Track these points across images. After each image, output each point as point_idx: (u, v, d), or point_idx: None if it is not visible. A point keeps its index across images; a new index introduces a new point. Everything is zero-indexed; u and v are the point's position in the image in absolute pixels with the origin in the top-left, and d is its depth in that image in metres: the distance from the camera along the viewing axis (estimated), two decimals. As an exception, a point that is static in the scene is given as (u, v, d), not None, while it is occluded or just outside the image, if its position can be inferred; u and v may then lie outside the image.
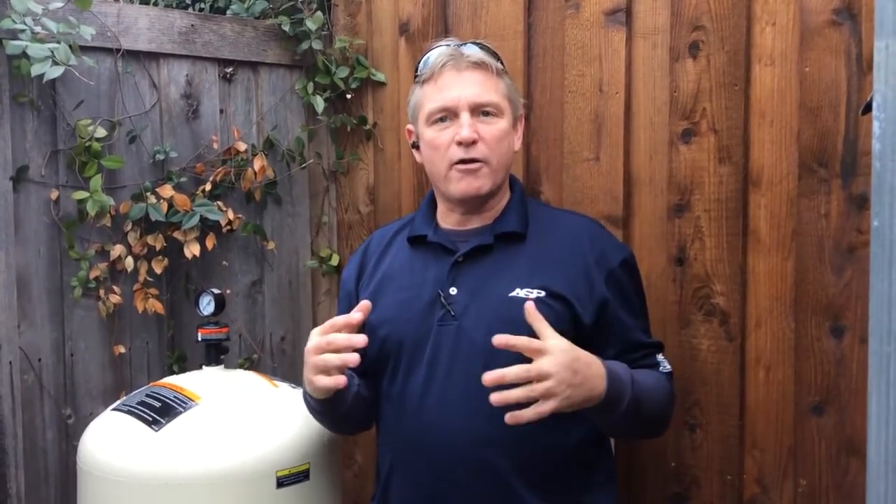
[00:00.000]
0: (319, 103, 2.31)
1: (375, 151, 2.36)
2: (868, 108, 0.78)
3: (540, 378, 1.28)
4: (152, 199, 2.12)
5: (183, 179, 2.21)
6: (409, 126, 1.64)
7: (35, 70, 1.86)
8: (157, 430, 1.68)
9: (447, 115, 1.52)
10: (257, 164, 2.27)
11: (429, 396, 1.50)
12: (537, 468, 1.48)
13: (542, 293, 1.48)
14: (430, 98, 1.55)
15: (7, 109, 1.96)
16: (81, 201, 2.02)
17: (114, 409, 1.82)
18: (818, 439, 1.61)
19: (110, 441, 1.73)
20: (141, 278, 2.14)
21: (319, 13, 2.32)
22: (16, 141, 1.98)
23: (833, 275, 1.58)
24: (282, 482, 1.68)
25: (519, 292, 1.49)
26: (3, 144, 1.96)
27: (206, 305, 1.92)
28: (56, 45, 1.89)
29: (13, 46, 1.86)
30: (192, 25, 2.23)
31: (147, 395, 1.79)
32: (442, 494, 1.50)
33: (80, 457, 1.76)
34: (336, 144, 2.43)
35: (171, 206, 2.14)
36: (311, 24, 2.29)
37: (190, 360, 2.25)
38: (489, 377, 1.28)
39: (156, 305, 2.15)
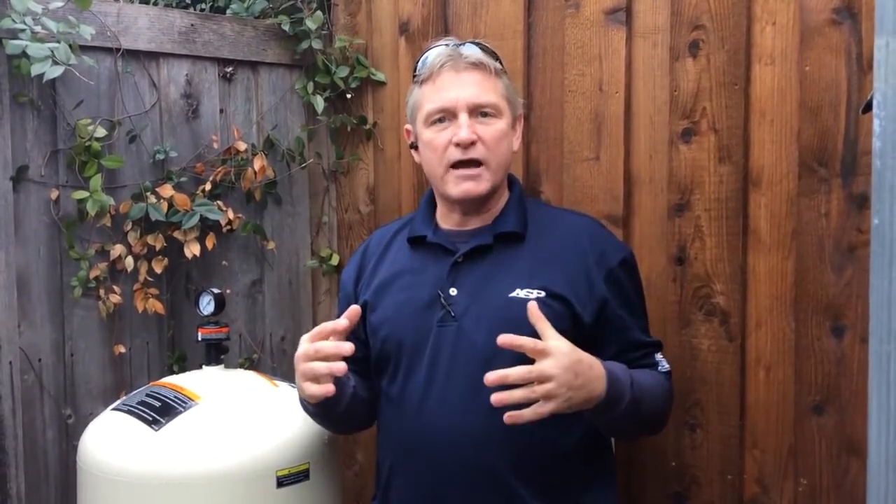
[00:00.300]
0: (319, 103, 2.31)
1: (375, 151, 2.36)
2: (868, 107, 0.78)
3: (541, 380, 1.28)
4: (152, 199, 2.12)
5: (183, 179, 2.21)
6: (408, 126, 1.64)
7: (35, 70, 1.86)
8: (157, 430, 1.68)
9: (445, 115, 1.52)
10: (257, 163, 2.27)
11: (429, 397, 1.50)
12: (537, 468, 1.48)
13: (542, 293, 1.48)
14: (428, 99, 1.54)
15: (7, 109, 1.96)
16: (81, 201, 2.02)
17: (114, 409, 1.82)
18: (818, 439, 1.61)
19: (110, 441, 1.72)
20: (141, 278, 2.14)
21: (319, 13, 2.32)
22: (16, 141, 1.98)
23: (833, 274, 1.57)
24: (282, 482, 1.68)
25: (519, 293, 1.49)
26: (3, 144, 1.96)
27: (206, 305, 1.92)
28: (56, 45, 1.89)
29: (13, 46, 1.86)
30: (192, 25, 2.23)
31: (147, 395, 1.79)
32: (442, 494, 1.50)
33: (81, 456, 1.76)
34: (336, 144, 2.43)
35: (171, 205, 2.14)
36: (310, 24, 2.29)
37: (190, 359, 2.25)
38: (491, 377, 1.28)
39: (156, 305, 2.15)
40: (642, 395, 1.43)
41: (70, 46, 1.92)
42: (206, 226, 2.21)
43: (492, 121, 1.52)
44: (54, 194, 2.04)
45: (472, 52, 1.55)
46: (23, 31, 1.88)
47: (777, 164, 1.64)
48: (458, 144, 1.50)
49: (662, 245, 1.79)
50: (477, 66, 1.53)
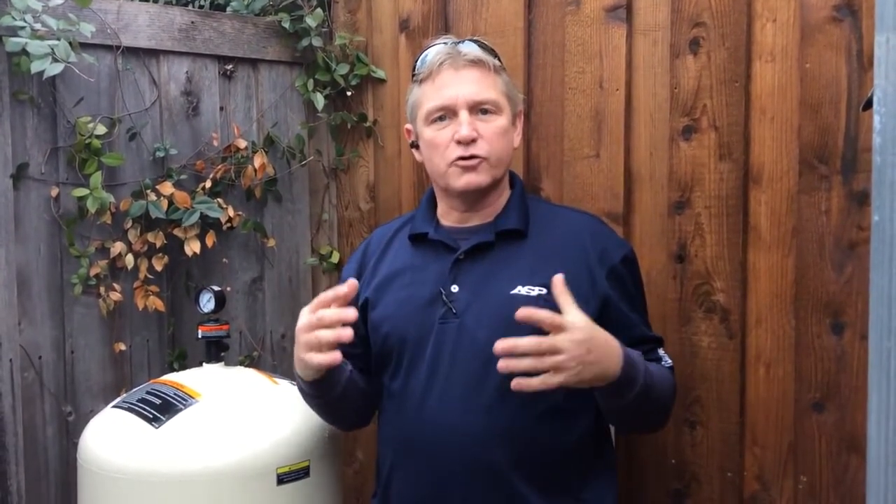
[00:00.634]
0: (319, 100, 2.31)
1: (376, 148, 2.36)
2: (869, 105, 0.78)
3: (552, 352, 1.28)
4: (152, 197, 2.12)
5: (183, 177, 2.21)
6: (408, 126, 1.64)
7: (35, 67, 1.86)
8: (157, 428, 1.68)
9: (446, 113, 1.52)
10: (257, 161, 2.27)
11: (430, 394, 1.50)
12: (538, 465, 1.48)
13: (544, 290, 1.48)
14: (428, 97, 1.55)
15: (7, 107, 1.96)
16: (82, 198, 2.02)
17: (114, 407, 1.82)
18: (818, 436, 1.61)
19: (111, 438, 1.73)
20: (141, 275, 2.15)
21: (319, 10, 2.32)
22: (16, 138, 1.98)
23: (833, 271, 1.57)
24: (282, 479, 1.68)
25: (520, 290, 1.49)
26: (3, 142, 1.96)
27: (207, 303, 1.92)
28: (56, 42, 1.89)
29: (13, 43, 1.86)
30: (192, 22, 2.23)
31: (147, 393, 1.79)
32: (443, 491, 1.50)
33: (81, 454, 1.76)
34: (336, 141, 2.43)
35: (171, 203, 2.14)
36: (311, 21, 2.29)
37: (190, 357, 2.25)
38: (501, 345, 1.28)
39: (156, 303, 2.15)
40: (653, 383, 1.44)
41: (70, 44, 1.92)
42: (207, 223, 2.21)
43: (492, 117, 1.53)
44: (54, 192, 2.04)
45: (470, 49, 1.55)
46: (23, 28, 1.88)
47: (777, 162, 1.64)
48: (459, 142, 1.50)
49: (663, 242, 1.79)
50: (476, 63, 1.53)
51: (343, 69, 2.33)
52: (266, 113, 2.36)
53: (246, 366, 2.25)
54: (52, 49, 1.88)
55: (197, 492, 1.63)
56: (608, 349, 1.35)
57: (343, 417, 1.71)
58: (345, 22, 2.39)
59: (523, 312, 1.30)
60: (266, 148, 2.32)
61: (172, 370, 2.16)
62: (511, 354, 1.29)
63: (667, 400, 1.54)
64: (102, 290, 2.10)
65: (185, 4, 2.65)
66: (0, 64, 1.94)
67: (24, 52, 1.87)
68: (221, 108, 2.31)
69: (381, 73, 2.32)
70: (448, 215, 1.61)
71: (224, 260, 2.31)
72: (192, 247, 2.16)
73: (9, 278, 1.97)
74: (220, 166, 2.25)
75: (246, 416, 1.73)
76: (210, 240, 2.20)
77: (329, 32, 2.39)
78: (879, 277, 0.74)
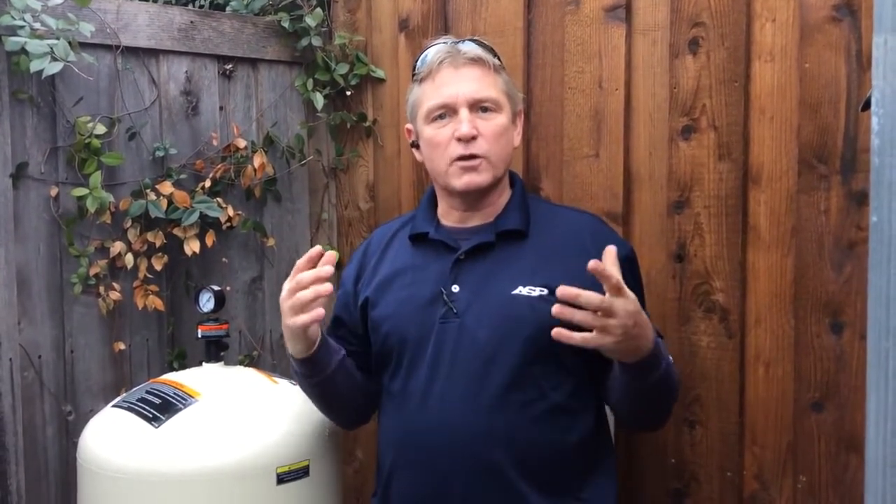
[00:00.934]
0: (319, 100, 2.31)
1: (375, 148, 2.36)
2: (867, 105, 0.78)
3: (606, 313, 1.28)
4: (152, 196, 2.12)
5: (183, 176, 2.21)
6: (409, 125, 1.64)
7: (34, 66, 1.86)
8: (157, 427, 1.68)
9: (446, 112, 1.53)
10: (257, 160, 2.27)
11: (431, 393, 1.51)
12: (538, 464, 1.49)
13: (545, 291, 1.48)
14: (428, 96, 1.55)
15: (6, 106, 1.96)
16: (81, 198, 2.02)
17: (114, 406, 1.82)
18: (818, 436, 1.61)
19: (110, 438, 1.73)
20: (141, 275, 2.15)
21: (319, 10, 2.32)
22: (15, 138, 1.98)
23: (833, 271, 1.58)
24: (282, 479, 1.68)
25: (521, 290, 1.49)
26: (3, 141, 1.96)
27: (206, 302, 1.92)
28: (55, 42, 1.89)
29: (12, 43, 1.86)
30: (192, 22, 2.23)
31: (147, 392, 1.79)
32: (443, 490, 1.50)
33: (80, 453, 1.76)
34: (336, 141, 2.43)
35: (170, 202, 2.14)
36: (310, 21, 2.29)
37: (190, 356, 2.26)
38: (565, 291, 1.26)
39: (156, 302, 2.15)
40: (670, 370, 1.46)
41: (69, 43, 1.92)
42: (206, 223, 2.21)
43: (492, 116, 1.53)
44: (54, 191, 2.04)
45: (470, 48, 1.56)
46: (22, 27, 1.88)
47: (777, 161, 1.64)
48: (459, 139, 1.50)
49: (662, 242, 1.79)
50: (476, 61, 1.53)
51: (342, 69, 2.33)
52: (265, 112, 2.36)
53: (245, 365, 2.25)
54: (52, 48, 1.88)
55: (196, 491, 1.63)
56: (646, 326, 1.36)
57: (340, 409, 1.70)
58: (344, 21, 2.39)
59: (595, 263, 1.27)
60: (265, 147, 2.32)
61: (172, 370, 2.16)
62: (570, 304, 1.28)
63: (675, 391, 1.55)
64: (102, 289, 2.10)
65: (185, 4, 2.65)
66: (-1, 63, 1.95)
67: (24, 51, 1.87)
68: (221, 108, 2.31)
69: (380, 73, 2.32)
70: (448, 215, 1.62)
71: (224, 259, 2.31)
72: (192, 246, 2.16)
73: (8, 278, 1.97)
74: (219, 166, 2.25)
75: (246, 415, 1.74)
76: (210, 239, 2.20)
77: (328, 32, 2.39)
78: (878, 278, 0.74)
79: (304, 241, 2.46)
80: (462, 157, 1.51)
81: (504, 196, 1.60)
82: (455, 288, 1.53)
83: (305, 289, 1.42)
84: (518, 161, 1.95)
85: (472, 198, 1.56)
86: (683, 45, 1.74)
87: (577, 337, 1.29)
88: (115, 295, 2.10)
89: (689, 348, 1.76)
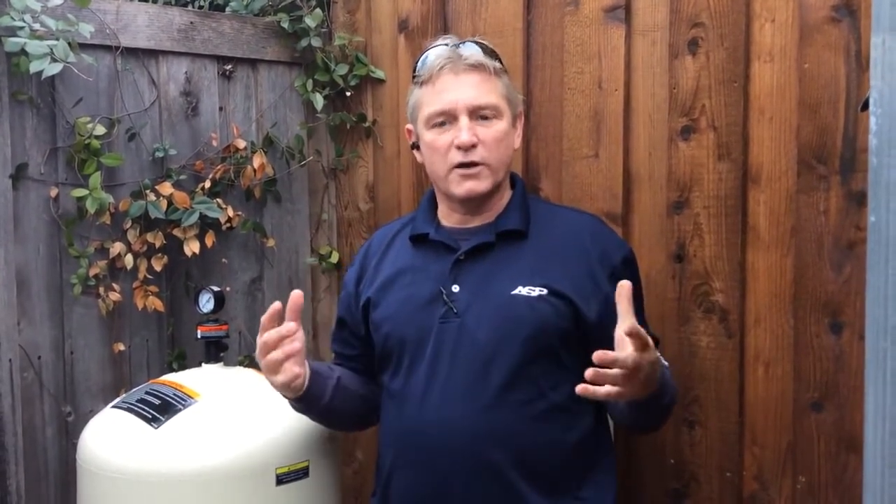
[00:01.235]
0: (319, 101, 2.31)
1: (375, 149, 2.36)
2: (867, 105, 0.78)
3: (635, 370, 1.28)
4: (152, 197, 2.12)
5: (182, 177, 2.21)
6: (409, 126, 1.64)
7: (34, 67, 1.86)
8: (156, 428, 1.69)
9: (446, 118, 1.52)
10: (257, 161, 2.27)
11: (431, 393, 1.51)
12: (537, 464, 1.49)
13: (545, 291, 1.49)
14: (428, 101, 1.55)
15: (6, 107, 1.96)
16: (81, 199, 2.02)
17: (113, 407, 1.82)
18: (817, 436, 1.61)
19: (110, 438, 1.73)
20: (140, 276, 2.15)
21: (319, 10, 2.32)
22: (15, 138, 1.98)
23: (832, 271, 1.57)
24: (281, 479, 1.68)
25: (521, 290, 1.49)
26: (3, 142, 1.96)
27: (206, 303, 1.92)
28: (55, 43, 1.89)
29: (12, 43, 1.86)
30: (192, 22, 2.23)
31: (146, 393, 1.80)
32: (443, 490, 1.50)
33: (80, 454, 1.76)
34: (335, 142, 2.43)
35: (170, 203, 2.14)
36: (310, 22, 2.29)
37: (189, 357, 2.26)
38: (602, 356, 1.25)
39: (155, 303, 2.15)
40: (668, 384, 1.47)
41: (69, 44, 1.92)
42: (206, 223, 2.21)
43: (492, 122, 1.53)
44: (54, 192, 2.04)
45: (471, 52, 1.55)
46: (21, 28, 1.88)
47: (776, 162, 1.64)
48: (458, 147, 1.50)
49: (662, 242, 1.79)
50: (476, 67, 1.53)
51: (342, 69, 2.33)
52: (265, 113, 2.36)
53: (245, 366, 2.25)
54: (51, 49, 1.88)
55: (195, 492, 1.64)
56: (658, 367, 1.37)
57: (341, 423, 1.73)
58: (344, 22, 2.39)
59: (631, 326, 1.28)
60: (265, 148, 2.32)
61: (172, 370, 2.16)
62: (605, 366, 1.27)
63: (675, 400, 1.57)
64: (102, 290, 2.10)
65: (185, 5, 2.65)
66: (-1, 64, 1.95)
67: (23, 52, 1.87)
68: (221, 109, 2.31)
69: (380, 74, 2.32)
70: (449, 217, 1.62)
71: (223, 260, 2.31)
72: (192, 247, 2.17)
73: (8, 278, 1.97)
74: (219, 166, 2.25)
75: (245, 416, 1.74)
76: (209, 240, 2.20)
77: (328, 33, 2.39)
78: (875, 278, 0.74)
79: (304, 242, 2.46)
80: (462, 165, 1.51)
81: (504, 198, 1.60)
82: (455, 288, 1.53)
83: (275, 349, 1.41)
84: (518, 161, 1.95)
85: (473, 203, 1.57)
86: (683, 46, 1.74)
87: (601, 392, 1.28)
88: (114, 296, 2.10)
89: (688, 348, 1.76)
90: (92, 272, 2.08)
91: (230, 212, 2.23)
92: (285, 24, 2.32)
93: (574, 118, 1.91)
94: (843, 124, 1.55)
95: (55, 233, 2.06)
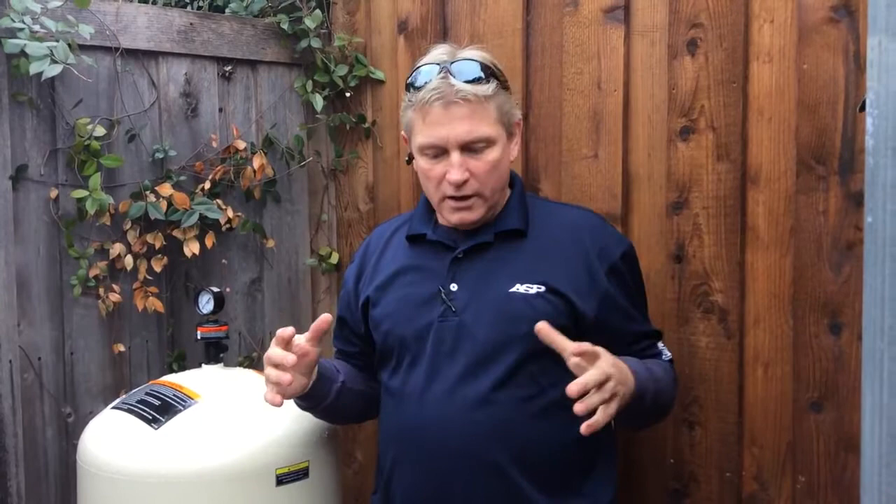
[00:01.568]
0: (318, 101, 2.31)
1: (374, 149, 2.36)
2: (865, 106, 0.78)
3: (606, 380, 1.29)
4: (152, 198, 2.13)
5: (182, 178, 2.22)
6: (404, 134, 1.62)
7: (34, 68, 1.87)
8: (156, 429, 1.69)
9: (437, 151, 1.50)
10: (256, 162, 2.27)
11: (430, 391, 1.51)
12: (538, 461, 1.49)
13: (542, 288, 1.49)
14: (419, 132, 1.51)
15: (6, 108, 1.97)
16: (81, 200, 2.02)
17: (113, 408, 1.82)
18: (816, 436, 1.61)
19: (110, 439, 1.73)
20: (140, 277, 2.15)
21: (318, 11, 2.32)
22: (15, 140, 1.99)
23: (831, 272, 1.57)
24: (281, 480, 1.68)
25: (519, 288, 1.49)
26: (3, 143, 1.96)
27: (206, 304, 1.92)
28: (55, 44, 1.90)
29: (12, 45, 1.87)
30: (191, 24, 2.23)
31: (146, 394, 1.80)
32: (443, 487, 1.50)
33: (80, 455, 1.76)
34: (335, 143, 2.43)
35: (170, 204, 2.15)
36: (309, 23, 2.29)
37: (189, 358, 2.26)
38: (575, 388, 1.27)
39: (155, 304, 2.15)
40: (659, 385, 1.49)
41: (69, 45, 1.92)
42: (206, 224, 2.21)
43: (484, 153, 1.50)
44: (53, 193, 2.05)
45: (462, 85, 1.47)
46: (21, 30, 1.88)
47: (775, 162, 1.64)
48: (450, 183, 1.50)
49: (661, 243, 1.79)
50: (468, 99, 1.47)
51: (342, 70, 2.33)
52: (265, 114, 2.37)
53: (245, 367, 2.25)
54: (51, 50, 1.88)
55: (196, 493, 1.64)
56: (623, 365, 1.37)
57: (344, 419, 1.75)
58: (343, 23, 2.39)
59: (544, 329, 1.32)
60: (265, 149, 2.33)
61: (171, 371, 2.16)
62: (583, 393, 1.28)
63: (671, 398, 1.57)
64: (102, 291, 2.10)
65: (184, 6, 2.66)
66: (-1, 66, 1.95)
67: (23, 53, 1.87)
68: (220, 110, 2.31)
69: (379, 75, 2.32)
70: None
71: (223, 261, 2.31)
72: (192, 248, 2.17)
73: (8, 279, 1.97)
74: (219, 167, 2.25)
75: (245, 417, 1.74)
76: (209, 241, 2.21)
77: (328, 34, 2.39)
78: (873, 278, 0.75)
79: (304, 243, 2.46)
80: (453, 198, 1.51)
81: (503, 199, 1.60)
82: (453, 286, 1.53)
83: (274, 367, 1.43)
84: (517, 162, 1.95)
85: (467, 229, 1.57)
86: (682, 46, 1.74)
87: (600, 419, 1.29)
88: (114, 297, 2.11)
89: (687, 349, 1.76)
90: (92, 273, 2.08)
91: (230, 213, 2.24)
92: (285, 26, 2.32)
93: (573, 119, 1.91)
94: (842, 125, 1.55)
95: (55, 234, 2.06)
